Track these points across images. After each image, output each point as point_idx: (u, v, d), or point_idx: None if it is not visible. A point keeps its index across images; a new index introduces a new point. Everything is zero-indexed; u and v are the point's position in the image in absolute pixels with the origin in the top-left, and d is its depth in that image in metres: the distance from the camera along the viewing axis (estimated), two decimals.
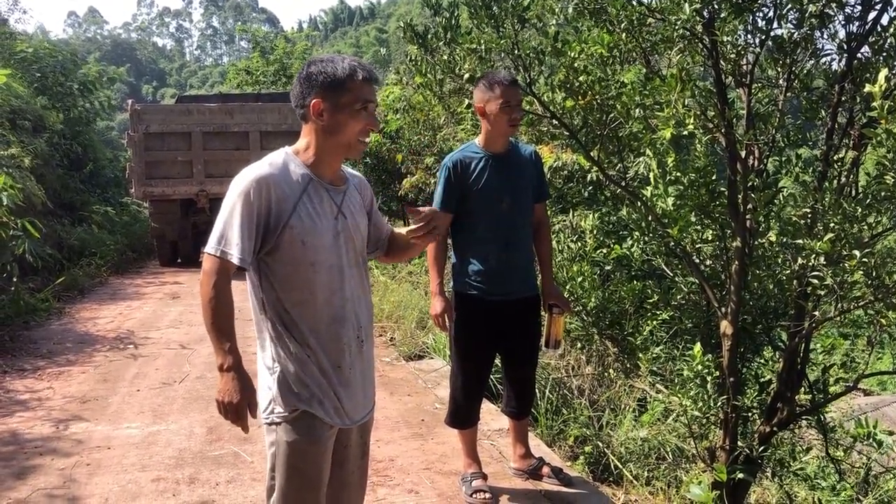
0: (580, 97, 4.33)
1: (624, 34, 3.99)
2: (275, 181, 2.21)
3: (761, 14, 3.69)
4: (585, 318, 6.11)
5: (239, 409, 2.16)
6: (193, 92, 76.40)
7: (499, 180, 3.71)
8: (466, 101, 4.65)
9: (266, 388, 2.30)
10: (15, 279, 8.15)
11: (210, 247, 2.19)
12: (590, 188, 7.58)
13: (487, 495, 3.76)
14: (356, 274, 2.38)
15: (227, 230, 2.17)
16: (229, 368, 2.16)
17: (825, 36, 3.74)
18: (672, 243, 4.16)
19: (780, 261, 3.94)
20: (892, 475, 5.08)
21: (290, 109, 10.10)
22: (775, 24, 3.66)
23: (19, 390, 5.82)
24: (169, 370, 6.36)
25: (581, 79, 4.28)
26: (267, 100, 14.16)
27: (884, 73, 2.90)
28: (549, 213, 7.03)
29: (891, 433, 5.33)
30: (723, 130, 3.75)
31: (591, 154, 4.43)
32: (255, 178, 2.19)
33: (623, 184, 4.42)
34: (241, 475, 4.08)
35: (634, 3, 3.89)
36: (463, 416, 3.89)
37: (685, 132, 3.61)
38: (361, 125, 2.25)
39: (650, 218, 4.15)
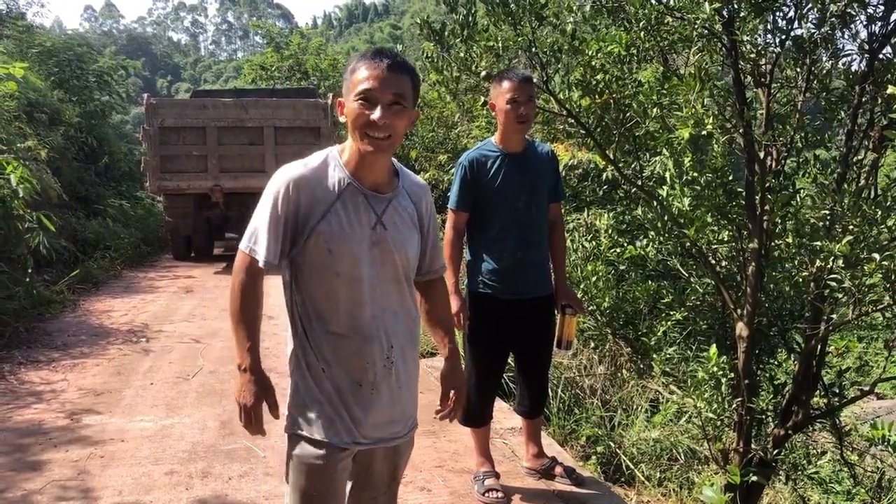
0: (597, 96, 4.32)
1: (642, 33, 3.97)
2: (306, 183, 2.08)
3: (781, 14, 3.66)
4: (599, 317, 6.10)
5: (253, 412, 2.11)
6: (208, 86, 76.72)
7: (515, 179, 3.69)
8: (482, 99, 4.64)
9: (286, 393, 2.21)
10: (30, 271, 8.19)
11: (242, 242, 2.14)
12: (605, 187, 7.57)
13: (500, 494, 3.75)
14: (394, 290, 2.19)
15: (258, 229, 2.11)
16: (246, 369, 2.10)
17: (846, 36, 3.71)
18: (688, 244, 4.14)
19: (797, 263, 3.91)
20: None
21: (305, 105, 10.16)
22: (796, 24, 3.64)
23: (34, 382, 5.85)
24: (182, 364, 6.38)
25: (598, 77, 4.27)
26: (281, 95, 14.18)
27: None
28: (563, 211, 7.04)
29: None
30: (741, 131, 3.73)
31: (607, 153, 4.41)
32: (286, 180, 2.08)
33: (639, 183, 4.40)
34: (254, 469, 4.09)
35: (653, 1, 3.87)
36: (476, 414, 3.89)
37: (703, 132, 3.59)
38: (363, 115, 2.04)
39: (666, 218, 4.13)
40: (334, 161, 2.14)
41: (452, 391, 2.44)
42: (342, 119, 2.12)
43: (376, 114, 2.01)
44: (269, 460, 4.21)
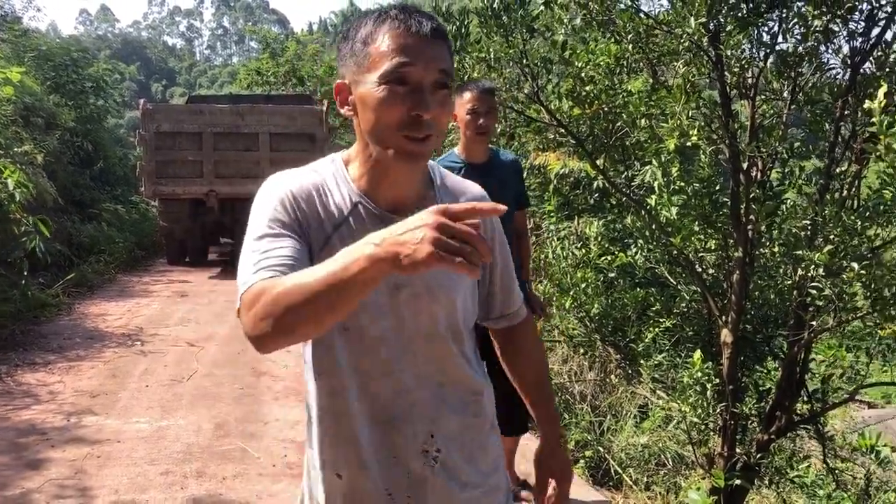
0: (587, 106, 4.41)
1: (631, 45, 4.06)
2: (308, 197, 1.44)
3: (766, 28, 3.76)
4: (588, 324, 6.18)
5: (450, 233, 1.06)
6: (203, 91, 76.74)
7: None
8: None
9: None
10: (25, 274, 8.25)
11: (241, 286, 1.30)
12: (595, 196, 7.66)
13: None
14: (433, 351, 1.51)
15: (262, 248, 1.34)
16: (378, 240, 1.10)
17: (829, 50, 3.81)
18: (675, 252, 4.23)
19: (780, 271, 4.01)
20: (891, 489, 5.13)
21: (300, 112, 10.18)
22: (780, 39, 3.74)
23: (31, 383, 5.91)
24: (177, 367, 6.44)
25: (588, 88, 4.36)
26: (277, 101, 14.26)
27: (883, 89, 2.95)
28: (555, 219, 7.14)
29: (894, 449, 5.37)
30: (726, 142, 3.82)
31: (597, 162, 4.50)
32: (285, 188, 1.43)
33: (628, 192, 4.49)
34: (248, 470, 4.16)
35: (641, 15, 3.97)
36: None
37: (689, 143, 3.68)
38: (398, 108, 1.33)
39: (654, 226, 4.21)
40: (339, 173, 1.49)
41: (553, 482, 1.73)
42: (346, 112, 1.45)
43: (421, 104, 1.33)
44: (263, 461, 4.29)
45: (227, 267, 13.31)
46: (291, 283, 1.18)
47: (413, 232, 1.07)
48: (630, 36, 4.00)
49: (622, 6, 4.02)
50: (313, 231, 1.42)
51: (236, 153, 12.66)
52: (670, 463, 4.96)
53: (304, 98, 15.18)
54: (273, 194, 1.43)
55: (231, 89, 39.66)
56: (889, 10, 3.54)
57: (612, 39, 4.19)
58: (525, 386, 1.79)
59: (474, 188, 1.67)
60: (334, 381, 1.47)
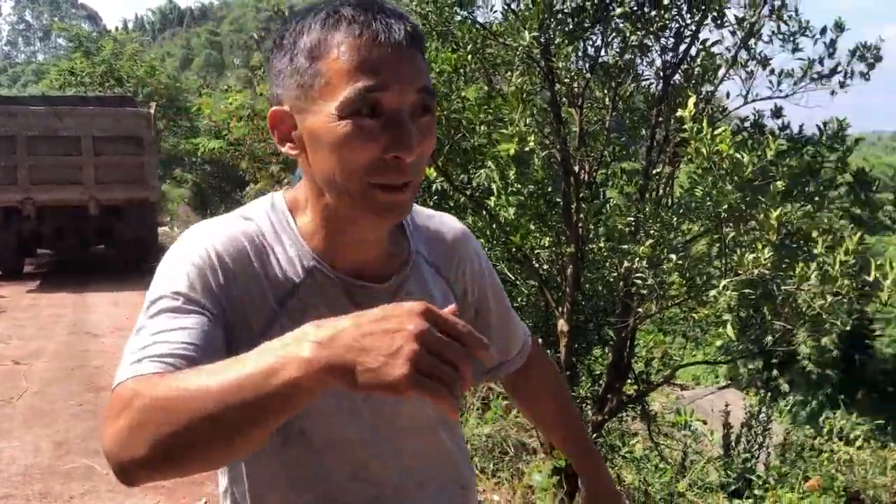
0: None
1: (469, 55, 4.28)
2: (241, 264, 1.03)
3: (591, 42, 4.09)
4: None
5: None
6: (4, 92, 70.87)
7: None
8: None
9: None
10: None
11: (122, 372, 0.89)
12: (436, 197, 7.87)
13: None
14: (420, 447, 1.18)
15: (154, 329, 0.93)
16: (322, 336, 0.76)
17: (645, 63, 4.20)
18: (514, 249, 4.47)
19: (608, 265, 4.36)
20: (703, 459, 5.71)
21: (125, 114, 9.76)
22: (602, 52, 4.08)
23: None
24: (3, 386, 6.03)
25: None
26: (96, 103, 13.53)
27: (692, 99, 3.33)
28: None
29: (704, 422, 6.00)
30: (558, 146, 4.12)
31: (438, 164, 4.69)
32: (206, 251, 1.01)
33: (468, 193, 4.70)
34: (97, 487, 4.02)
35: (477, 26, 4.20)
36: None
37: (527, 148, 3.94)
38: (368, 149, 0.96)
39: (494, 226, 4.45)
40: (283, 226, 1.09)
41: None
42: (288, 150, 1.05)
43: (401, 142, 0.96)
44: (111, 478, 4.14)
45: (46, 280, 12.49)
46: (183, 383, 0.81)
47: (384, 338, 0.73)
48: (468, 46, 4.22)
49: (459, 18, 4.23)
50: (247, 309, 1.02)
51: (55, 158, 11.88)
52: (513, 450, 5.22)
53: (125, 100, 14.49)
54: (186, 255, 1.02)
55: (38, 89, 36.94)
56: (693, 28, 3.96)
57: (450, 49, 4.39)
58: (548, 422, 1.51)
59: (453, 224, 1.31)
60: (286, 497, 1.09)
